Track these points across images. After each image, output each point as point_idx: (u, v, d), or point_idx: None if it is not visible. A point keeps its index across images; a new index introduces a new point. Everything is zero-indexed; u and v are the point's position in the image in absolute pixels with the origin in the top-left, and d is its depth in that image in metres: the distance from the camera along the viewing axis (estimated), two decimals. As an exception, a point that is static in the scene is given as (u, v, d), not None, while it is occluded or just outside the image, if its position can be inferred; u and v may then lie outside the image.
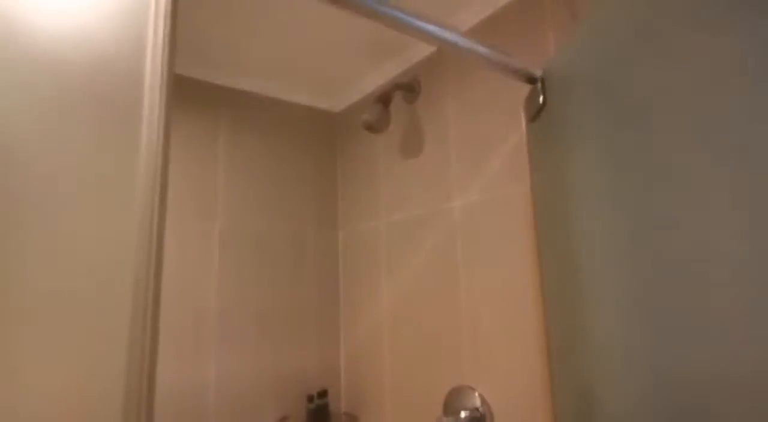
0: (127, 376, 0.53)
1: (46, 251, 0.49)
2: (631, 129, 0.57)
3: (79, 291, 0.50)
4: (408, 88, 1.21)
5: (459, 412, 0.94)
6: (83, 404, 0.50)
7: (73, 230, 0.51)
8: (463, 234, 1.03)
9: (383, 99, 1.18)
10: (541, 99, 0.78)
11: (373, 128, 1.18)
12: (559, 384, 0.79)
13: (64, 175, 0.50)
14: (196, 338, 1.11)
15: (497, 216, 0.95)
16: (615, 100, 0.61)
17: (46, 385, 0.47)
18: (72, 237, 0.50)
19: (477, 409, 0.94)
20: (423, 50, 1.17)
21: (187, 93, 1.22)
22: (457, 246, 1.04)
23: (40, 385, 0.47)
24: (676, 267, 0.51)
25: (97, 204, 0.53)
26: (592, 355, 0.71)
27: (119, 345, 0.53)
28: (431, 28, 0.65)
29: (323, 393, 1.24)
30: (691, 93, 0.49)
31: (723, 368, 0.45)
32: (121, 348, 0.53)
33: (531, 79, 0.79)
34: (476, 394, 0.94)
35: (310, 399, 1.20)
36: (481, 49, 0.71)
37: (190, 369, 1.09)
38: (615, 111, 0.61)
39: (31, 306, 0.47)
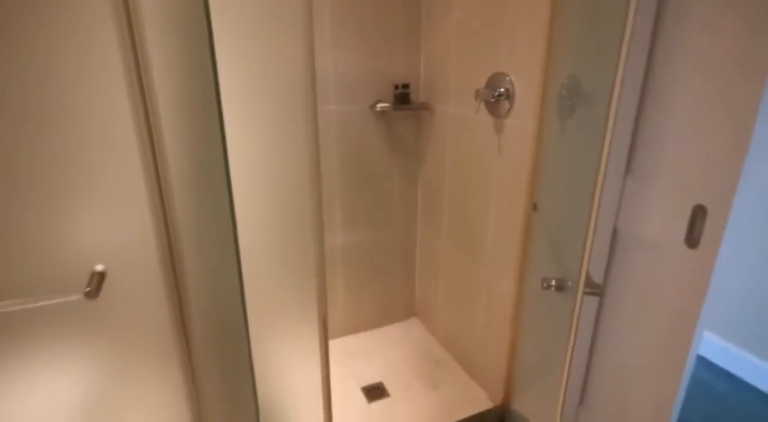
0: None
1: None
2: None
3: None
4: None
5: (496, 88, 1.39)
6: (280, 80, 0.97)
7: None
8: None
9: None
10: None
11: None
12: (553, 72, 1.17)
13: None
14: (317, 40, 1.59)
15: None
16: None
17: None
18: None
19: (507, 89, 1.37)
20: None
21: None
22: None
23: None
24: None
25: None
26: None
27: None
28: None
29: (406, 85, 1.74)
30: None
31: None
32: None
33: None
34: (507, 78, 1.36)
35: (396, 87, 1.73)
36: None
37: (318, 62, 1.61)
38: None
39: None
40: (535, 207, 1.19)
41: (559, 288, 0.84)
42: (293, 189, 1.03)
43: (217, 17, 0.80)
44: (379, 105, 1.72)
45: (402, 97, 1.73)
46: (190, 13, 0.78)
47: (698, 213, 1.04)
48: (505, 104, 1.38)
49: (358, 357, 1.98)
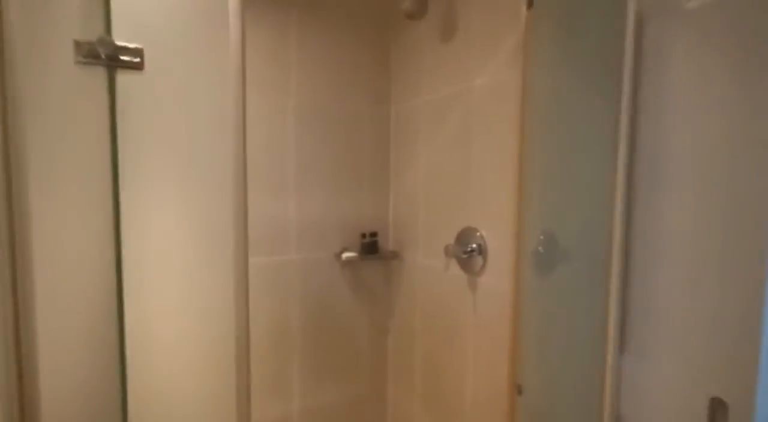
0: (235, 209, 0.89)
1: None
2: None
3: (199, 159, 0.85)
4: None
5: (467, 244, 1.28)
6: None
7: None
8: (476, 110, 1.25)
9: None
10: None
11: (411, 16, 1.35)
12: (526, 227, 1.09)
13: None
14: (280, 185, 1.52)
15: (499, 98, 1.16)
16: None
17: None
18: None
19: (479, 244, 1.27)
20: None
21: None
22: (472, 120, 1.27)
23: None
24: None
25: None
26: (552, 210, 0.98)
27: (225, 189, 0.89)
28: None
29: (374, 234, 1.64)
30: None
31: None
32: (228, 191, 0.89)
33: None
34: (478, 233, 1.27)
35: (364, 236, 1.62)
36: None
37: (276, 206, 1.52)
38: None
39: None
40: (519, 390, 0.99)
41: None
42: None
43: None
44: (345, 254, 1.60)
45: (370, 246, 1.62)
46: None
47: (717, 408, 0.85)
48: (478, 260, 1.27)
49: None
